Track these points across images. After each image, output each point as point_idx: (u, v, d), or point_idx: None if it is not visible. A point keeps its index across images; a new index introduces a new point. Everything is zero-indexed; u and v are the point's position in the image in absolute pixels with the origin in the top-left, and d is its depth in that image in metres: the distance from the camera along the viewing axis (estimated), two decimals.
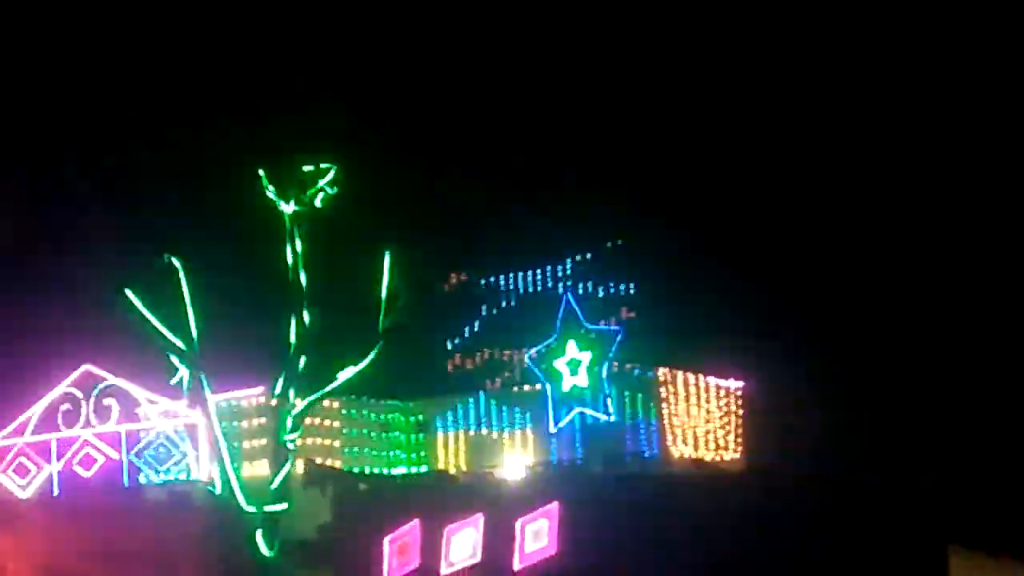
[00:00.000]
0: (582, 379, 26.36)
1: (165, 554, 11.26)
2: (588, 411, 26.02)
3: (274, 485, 20.62)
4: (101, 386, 19.79)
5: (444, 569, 10.98)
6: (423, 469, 28.60)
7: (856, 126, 29.51)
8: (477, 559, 10.96)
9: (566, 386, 26.38)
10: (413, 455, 29.04)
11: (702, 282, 28.70)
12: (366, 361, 20.66)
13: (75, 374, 19.76)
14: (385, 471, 27.15)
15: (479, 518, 10.98)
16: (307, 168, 20.62)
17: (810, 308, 28.42)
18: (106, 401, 19.67)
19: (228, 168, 22.13)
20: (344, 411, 27.58)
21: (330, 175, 20.63)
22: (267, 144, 21.65)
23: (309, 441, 24.68)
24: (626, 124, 30.22)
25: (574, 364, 26.38)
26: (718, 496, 12.19)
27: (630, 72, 30.34)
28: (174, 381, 20.24)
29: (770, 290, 29.03)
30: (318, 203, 20.68)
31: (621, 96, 30.54)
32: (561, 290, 27.98)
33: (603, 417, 25.82)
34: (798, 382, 27.41)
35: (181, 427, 19.70)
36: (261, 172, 20.66)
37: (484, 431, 28.67)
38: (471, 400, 28.94)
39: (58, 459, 19.48)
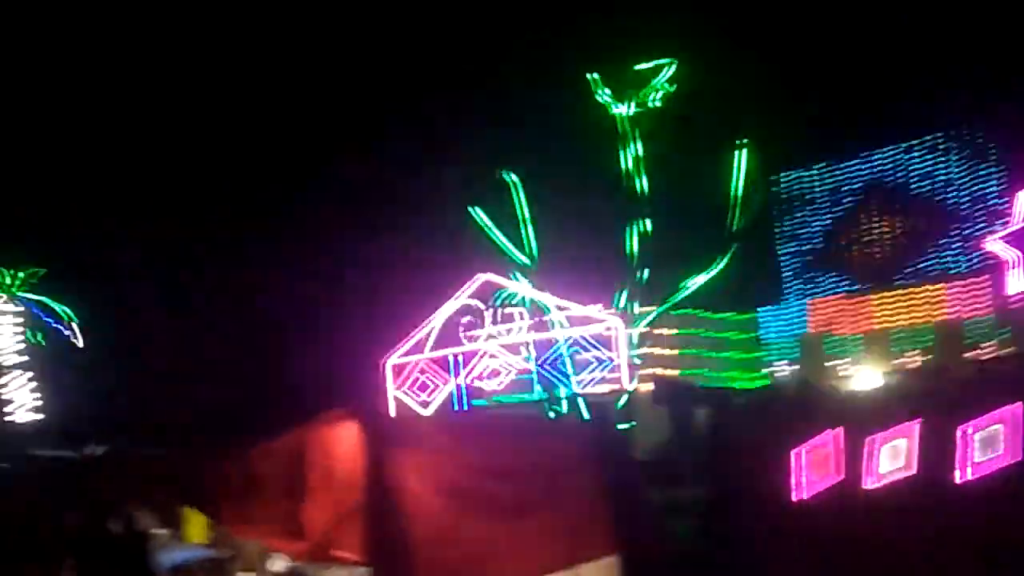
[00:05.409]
0: None
1: (555, 473, 10.39)
2: None
3: (620, 403, 19.87)
4: (503, 294, 18.89)
5: (869, 483, 9.49)
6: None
7: None
8: (912, 471, 9.39)
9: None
10: (750, 370, 27.55)
11: None
12: (719, 267, 19.38)
13: (474, 284, 18.84)
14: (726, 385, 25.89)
15: (914, 425, 9.40)
16: (643, 67, 19.39)
17: None
18: (509, 310, 18.71)
19: (559, 77, 21.11)
20: (680, 323, 26.29)
21: (668, 72, 19.32)
22: (598, 46, 20.55)
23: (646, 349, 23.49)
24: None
25: None
26: None
27: None
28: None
29: None
30: (656, 102, 19.45)
31: None
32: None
33: None
34: None
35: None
36: (595, 76, 19.59)
37: None
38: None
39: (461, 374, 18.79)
